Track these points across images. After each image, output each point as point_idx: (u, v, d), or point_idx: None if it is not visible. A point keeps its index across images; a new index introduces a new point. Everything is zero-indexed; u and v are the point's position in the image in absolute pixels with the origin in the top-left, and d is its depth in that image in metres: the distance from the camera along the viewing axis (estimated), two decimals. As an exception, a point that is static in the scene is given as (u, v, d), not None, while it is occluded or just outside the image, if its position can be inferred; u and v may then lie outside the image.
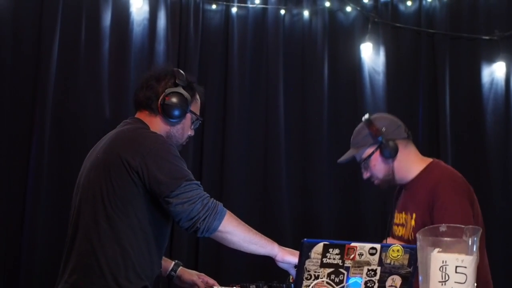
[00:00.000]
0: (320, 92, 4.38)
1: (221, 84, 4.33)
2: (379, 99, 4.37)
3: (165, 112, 2.34)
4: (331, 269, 1.85)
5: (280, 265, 2.26)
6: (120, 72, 4.11)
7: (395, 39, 4.46)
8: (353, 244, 1.86)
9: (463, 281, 1.46)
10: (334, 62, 4.44)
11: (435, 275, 1.47)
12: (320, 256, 1.84)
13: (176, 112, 2.34)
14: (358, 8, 4.46)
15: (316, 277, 1.85)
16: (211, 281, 2.60)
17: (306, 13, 4.46)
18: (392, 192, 2.82)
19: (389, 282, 1.86)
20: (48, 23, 3.97)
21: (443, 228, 1.51)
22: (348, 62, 4.44)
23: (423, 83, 4.40)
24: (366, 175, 2.65)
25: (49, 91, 3.91)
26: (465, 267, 1.46)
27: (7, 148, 3.87)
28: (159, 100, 2.34)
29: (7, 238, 3.82)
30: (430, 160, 2.63)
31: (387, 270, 1.86)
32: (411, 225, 2.52)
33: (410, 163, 2.60)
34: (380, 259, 1.86)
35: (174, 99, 2.33)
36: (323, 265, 1.84)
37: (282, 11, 4.43)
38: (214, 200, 2.19)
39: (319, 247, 1.84)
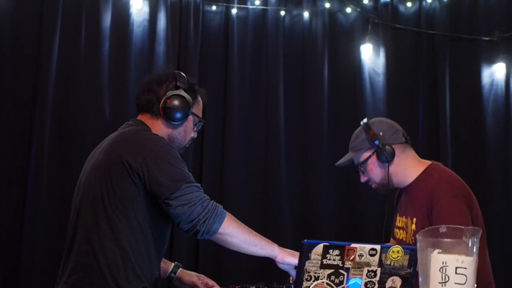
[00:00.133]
0: (320, 93, 4.38)
1: (221, 85, 4.33)
2: (379, 100, 4.37)
3: (167, 115, 2.34)
4: (331, 270, 1.85)
5: (281, 266, 2.26)
6: (120, 72, 4.11)
7: (395, 40, 4.46)
8: (353, 245, 1.86)
9: (463, 282, 1.46)
10: (334, 63, 4.44)
11: (435, 276, 1.47)
12: (320, 257, 1.84)
13: (178, 115, 2.34)
14: (358, 9, 4.46)
15: (316, 278, 1.85)
16: (211, 282, 2.60)
17: (306, 14, 4.46)
18: (392, 196, 2.82)
19: (389, 283, 1.86)
20: (48, 24, 3.97)
21: (443, 229, 1.51)
22: (348, 63, 4.44)
23: (423, 84, 4.40)
24: (363, 178, 2.67)
25: (49, 91, 3.91)
26: (465, 268, 1.46)
27: (7, 148, 3.87)
28: (161, 103, 2.34)
29: (7, 238, 3.82)
30: (428, 163, 2.63)
31: (387, 271, 1.87)
32: (411, 229, 2.53)
33: (408, 168, 2.60)
34: (380, 260, 1.86)
35: (175, 102, 2.33)
36: (323, 266, 1.85)
37: (282, 12, 4.43)
38: (214, 202, 2.19)
39: (319, 248, 1.84)
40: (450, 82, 4.34)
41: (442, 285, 1.46)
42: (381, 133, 2.57)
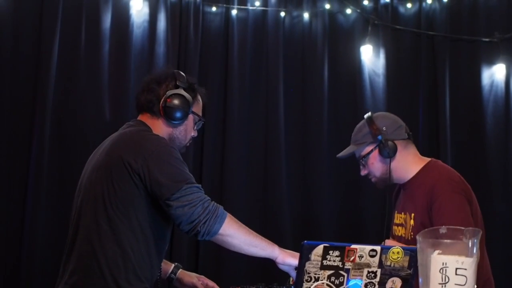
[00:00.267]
0: (320, 94, 4.38)
1: (221, 86, 4.33)
2: (379, 101, 4.38)
3: (167, 114, 2.34)
4: (331, 271, 1.86)
5: (281, 267, 2.26)
6: (120, 73, 4.11)
7: (395, 41, 4.46)
8: (353, 246, 1.86)
9: (463, 283, 1.46)
10: (334, 64, 4.44)
11: (435, 277, 1.47)
12: (320, 258, 1.84)
13: (178, 114, 2.34)
14: (358, 10, 4.46)
15: (316, 279, 1.85)
16: (211, 283, 2.60)
17: (306, 15, 4.46)
18: (391, 192, 2.83)
19: (389, 284, 1.86)
20: (48, 24, 3.97)
21: (443, 230, 1.51)
22: (348, 64, 4.44)
23: (423, 85, 4.40)
24: (363, 172, 2.67)
25: (49, 91, 3.91)
26: (465, 269, 1.46)
27: (7, 148, 3.87)
28: (161, 102, 2.34)
29: (7, 238, 3.82)
30: (428, 160, 2.64)
31: (387, 272, 1.87)
32: (410, 224, 2.53)
33: (409, 164, 2.61)
34: (380, 261, 1.87)
35: (175, 101, 2.33)
36: (323, 267, 1.85)
37: (282, 13, 4.43)
38: (215, 203, 2.19)
39: (319, 249, 1.84)
40: (450, 83, 4.35)
41: (442, 286, 1.46)
42: (384, 128, 2.57)
